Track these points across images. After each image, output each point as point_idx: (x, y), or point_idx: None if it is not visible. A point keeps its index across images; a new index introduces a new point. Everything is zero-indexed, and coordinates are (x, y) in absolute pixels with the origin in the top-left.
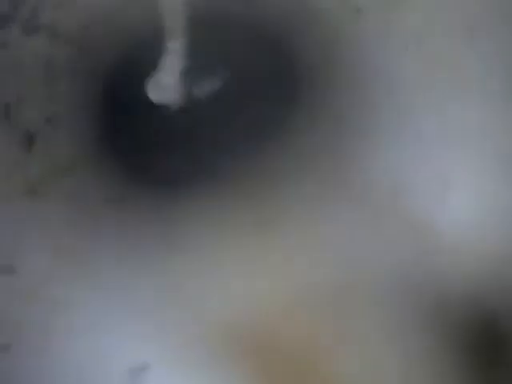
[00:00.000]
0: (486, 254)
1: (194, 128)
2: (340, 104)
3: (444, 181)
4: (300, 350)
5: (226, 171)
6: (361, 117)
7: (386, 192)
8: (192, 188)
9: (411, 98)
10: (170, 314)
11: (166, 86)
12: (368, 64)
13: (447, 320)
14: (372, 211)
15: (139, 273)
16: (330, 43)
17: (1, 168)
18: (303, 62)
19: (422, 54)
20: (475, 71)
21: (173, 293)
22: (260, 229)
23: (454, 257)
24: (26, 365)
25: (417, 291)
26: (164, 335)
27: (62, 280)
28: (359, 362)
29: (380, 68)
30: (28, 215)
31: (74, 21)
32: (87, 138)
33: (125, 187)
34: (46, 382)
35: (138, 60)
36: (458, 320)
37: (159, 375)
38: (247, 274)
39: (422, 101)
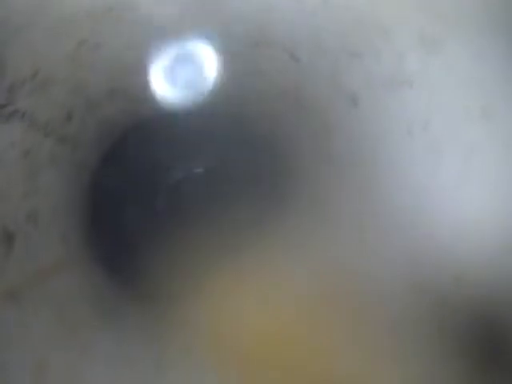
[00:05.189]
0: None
1: (182, 224)
2: (329, 196)
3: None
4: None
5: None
6: (352, 209)
7: None
8: (178, 299)
9: (413, 189)
10: None
11: None
12: (365, 155)
13: (446, 324)
14: None
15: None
16: (322, 135)
17: None
18: (293, 154)
19: (427, 139)
20: (492, 155)
21: None
22: None
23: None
24: None
25: (413, 292)
26: None
27: None
28: (361, 365)
29: (377, 158)
30: (7, 324)
31: (55, 109)
32: (72, 236)
33: (113, 293)
34: None
35: (126, 151)
36: (458, 324)
37: None
38: None
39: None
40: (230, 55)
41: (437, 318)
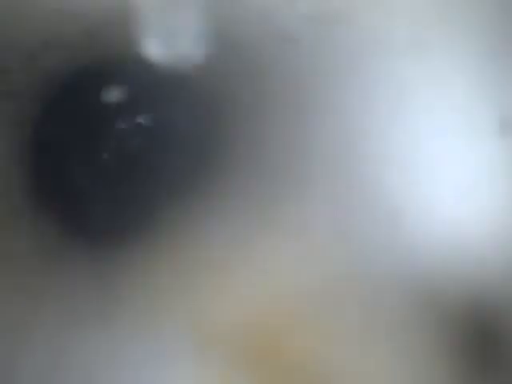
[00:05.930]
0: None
1: (126, 174)
2: (264, 139)
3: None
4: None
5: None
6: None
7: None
8: (127, 240)
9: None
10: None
11: None
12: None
13: (441, 320)
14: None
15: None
16: (256, 73)
17: None
18: (226, 94)
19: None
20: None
21: (111, 354)
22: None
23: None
24: None
25: (410, 289)
26: None
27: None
28: (351, 362)
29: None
30: None
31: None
32: (18, 186)
33: (60, 241)
34: None
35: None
36: (453, 320)
37: None
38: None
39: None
40: None
41: (433, 318)
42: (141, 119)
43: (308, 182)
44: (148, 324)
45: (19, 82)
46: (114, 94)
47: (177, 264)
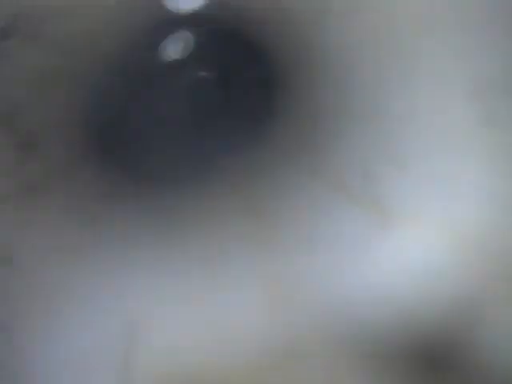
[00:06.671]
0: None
1: (179, 131)
2: (314, 104)
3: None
4: None
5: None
6: (336, 117)
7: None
8: (187, 185)
9: (383, 95)
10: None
11: None
12: (340, 63)
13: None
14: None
15: (137, 270)
16: (303, 44)
17: (1, 169)
18: (277, 63)
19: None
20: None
21: (171, 293)
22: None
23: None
24: (27, 352)
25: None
26: None
27: (61, 271)
28: None
29: (352, 67)
30: (27, 212)
31: (67, 31)
32: (84, 140)
33: (122, 185)
34: (49, 368)
35: (128, 68)
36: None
37: None
38: None
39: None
40: None
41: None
42: (205, 72)
43: None
44: (205, 267)
45: (91, 38)
46: (179, 48)
47: (240, 213)
